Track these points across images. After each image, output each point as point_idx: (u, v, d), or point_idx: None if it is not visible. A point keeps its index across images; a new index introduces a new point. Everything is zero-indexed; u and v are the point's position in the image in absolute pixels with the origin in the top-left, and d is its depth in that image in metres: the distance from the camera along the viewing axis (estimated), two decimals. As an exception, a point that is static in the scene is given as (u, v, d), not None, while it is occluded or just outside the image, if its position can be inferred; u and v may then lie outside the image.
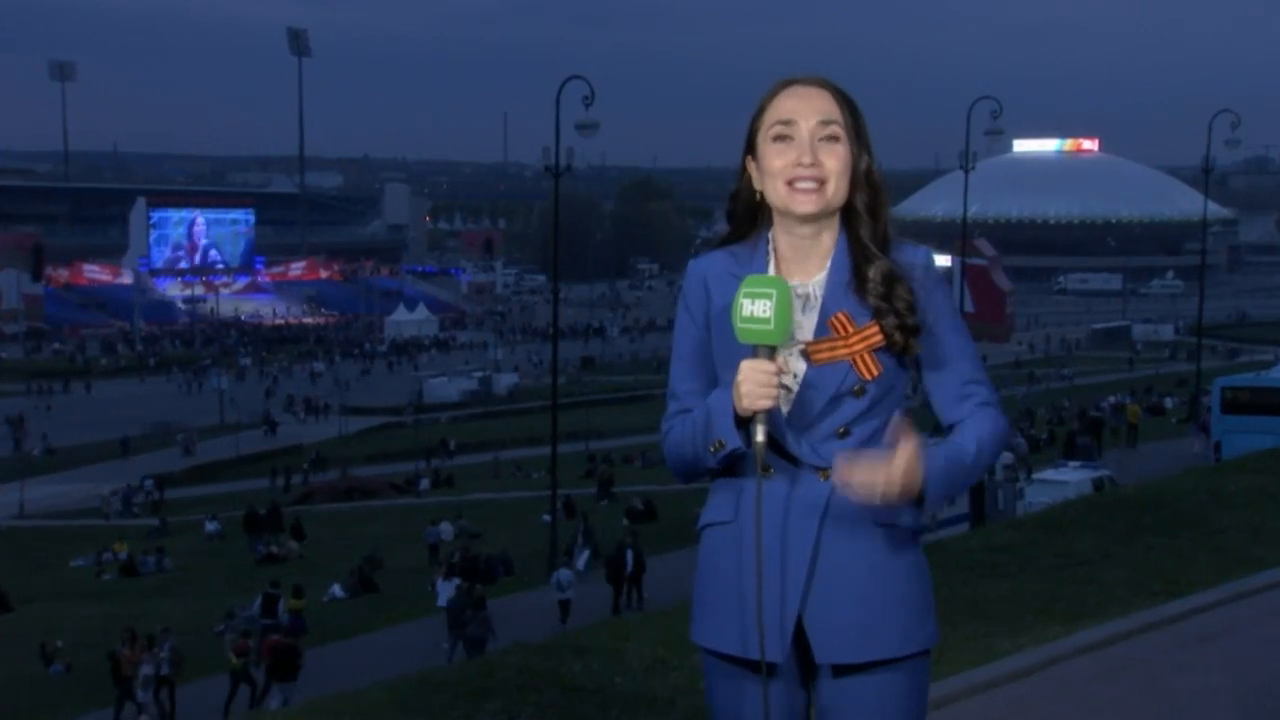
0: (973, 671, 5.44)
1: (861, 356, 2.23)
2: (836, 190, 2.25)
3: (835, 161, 2.24)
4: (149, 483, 43.70)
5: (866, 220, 2.27)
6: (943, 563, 6.91)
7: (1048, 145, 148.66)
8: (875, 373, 2.23)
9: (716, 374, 2.32)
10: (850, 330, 2.23)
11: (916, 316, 2.24)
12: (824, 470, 2.24)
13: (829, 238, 2.29)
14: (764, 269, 2.31)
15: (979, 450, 2.27)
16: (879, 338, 2.23)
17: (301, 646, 17.98)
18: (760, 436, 2.17)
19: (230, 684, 17.60)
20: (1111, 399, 48.16)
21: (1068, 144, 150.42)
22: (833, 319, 2.25)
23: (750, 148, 2.31)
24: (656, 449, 45.55)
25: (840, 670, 2.28)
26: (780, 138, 2.26)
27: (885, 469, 2.14)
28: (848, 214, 2.29)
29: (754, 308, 2.15)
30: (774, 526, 2.24)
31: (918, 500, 2.21)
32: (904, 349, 2.24)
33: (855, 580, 2.25)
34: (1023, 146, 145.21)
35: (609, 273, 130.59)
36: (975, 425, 2.30)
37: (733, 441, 2.21)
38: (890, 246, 2.28)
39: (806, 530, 2.24)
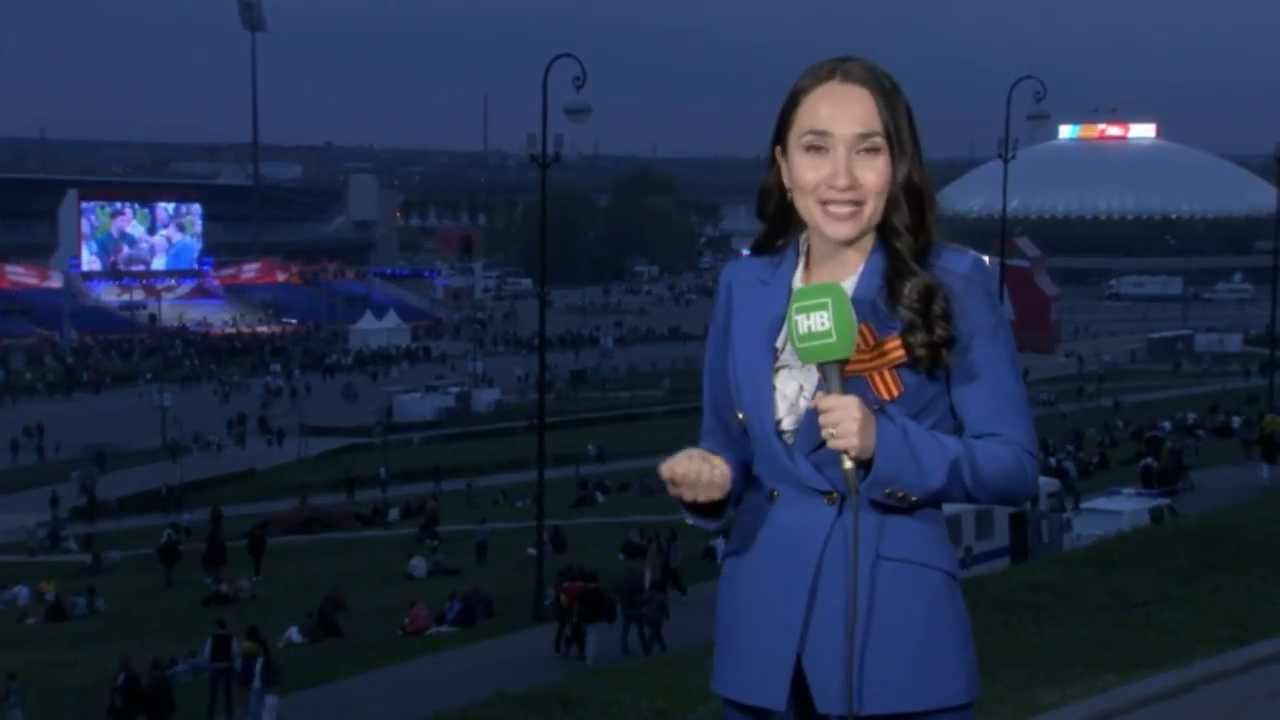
0: (1014, 727, 5.44)
1: (881, 373, 2.23)
2: (874, 211, 2.27)
3: (874, 177, 2.25)
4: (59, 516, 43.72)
5: (905, 236, 2.28)
6: (980, 602, 6.90)
7: (1063, 131, 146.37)
8: (895, 393, 2.23)
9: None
10: (871, 343, 2.23)
11: (951, 329, 2.23)
12: (829, 494, 2.26)
13: (867, 241, 2.31)
14: (791, 273, 2.35)
15: (971, 458, 2.23)
16: (900, 353, 2.23)
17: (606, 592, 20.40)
18: (848, 463, 2.18)
19: (559, 626, 20.25)
20: (1177, 417, 48.27)
21: (1084, 129, 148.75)
22: None
23: (780, 139, 2.31)
24: (654, 475, 45.42)
25: None
26: (813, 148, 2.26)
27: (857, 404, 2.14)
28: (884, 229, 2.30)
29: (810, 322, 2.15)
30: (776, 557, 2.28)
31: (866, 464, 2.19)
32: (932, 364, 2.23)
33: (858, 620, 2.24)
34: (1068, 133, 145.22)
35: (603, 275, 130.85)
36: (986, 443, 2.27)
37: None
38: (930, 250, 2.29)
39: (805, 562, 2.27)
